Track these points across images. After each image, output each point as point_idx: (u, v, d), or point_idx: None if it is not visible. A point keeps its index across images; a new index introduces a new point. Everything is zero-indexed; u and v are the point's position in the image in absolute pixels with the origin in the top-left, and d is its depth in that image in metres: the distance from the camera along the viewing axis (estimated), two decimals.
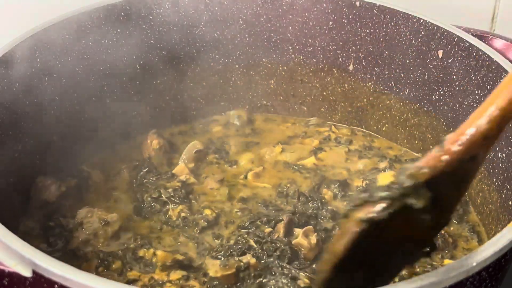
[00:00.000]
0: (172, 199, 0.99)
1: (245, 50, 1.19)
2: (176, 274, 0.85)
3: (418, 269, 0.87)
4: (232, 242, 0.90)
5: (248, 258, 0.85)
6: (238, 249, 0.87)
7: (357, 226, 0.61)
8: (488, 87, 0.95)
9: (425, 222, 0.61)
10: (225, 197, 1.01)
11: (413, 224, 0.61)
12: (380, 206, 0.59)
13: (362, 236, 0.61)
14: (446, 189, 0.61)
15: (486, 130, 0.58)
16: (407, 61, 1.09)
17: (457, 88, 1.02)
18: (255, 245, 0.88)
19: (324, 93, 1.21)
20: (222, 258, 0.86)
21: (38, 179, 0.98)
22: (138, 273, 0.86)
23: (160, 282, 0.83)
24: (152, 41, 1.12)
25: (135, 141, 1.13)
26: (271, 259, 0.86)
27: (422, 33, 1.05)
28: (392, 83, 1.13)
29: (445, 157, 0.59)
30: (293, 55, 1.19)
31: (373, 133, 1.19)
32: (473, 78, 0.98)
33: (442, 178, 0.60)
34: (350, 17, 1.12)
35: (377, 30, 1.11)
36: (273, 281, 0.82)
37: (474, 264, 0.64)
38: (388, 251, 0.64)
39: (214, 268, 0.84)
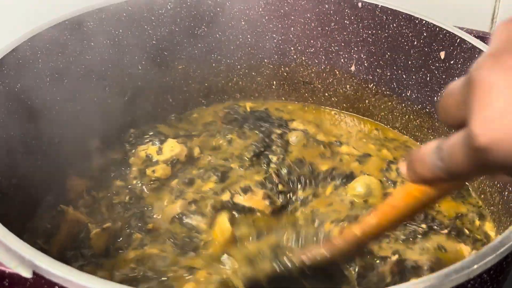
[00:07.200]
0: None
1: (247, 51, 1.19)
2: None
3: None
4: None
5: None
6: None
7: None
8: None
9: None
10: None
11: None
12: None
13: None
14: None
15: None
16: (409, 62, 1.09)
17: None
18: None
19: (326, 94, 1.21)
20: None
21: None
22: None
23: None
24: (154, 42, 1.12)
25: None
26: None
27: (424, 34, 1.05)
28: (394, 84, 1.12)
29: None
30: (295, 56, 1.19)
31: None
32: None
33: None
34: (352, 18, 1.12)
35: (379, 31, 1.11)
36: None
37: (475, 266, 0.64)
38: None
39: None
